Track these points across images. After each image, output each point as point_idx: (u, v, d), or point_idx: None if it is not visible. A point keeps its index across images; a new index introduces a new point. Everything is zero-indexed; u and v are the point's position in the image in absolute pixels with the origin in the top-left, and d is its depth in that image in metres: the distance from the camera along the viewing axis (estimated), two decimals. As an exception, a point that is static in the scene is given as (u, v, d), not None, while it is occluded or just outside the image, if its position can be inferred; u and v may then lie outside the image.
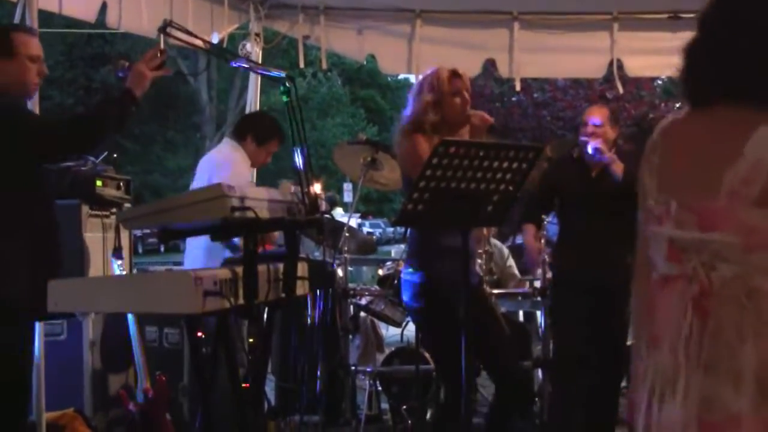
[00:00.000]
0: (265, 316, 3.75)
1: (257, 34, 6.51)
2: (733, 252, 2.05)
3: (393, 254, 9.67)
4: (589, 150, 4.83)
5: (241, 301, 3.21)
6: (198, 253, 4.89)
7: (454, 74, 4.06)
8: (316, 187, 4.45)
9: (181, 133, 33.24)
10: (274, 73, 3.83)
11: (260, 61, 6.67)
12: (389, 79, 38.63)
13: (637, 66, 6.64)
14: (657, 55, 6.36)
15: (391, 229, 34.14)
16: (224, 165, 5.02)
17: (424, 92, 4.04)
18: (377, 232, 32.79)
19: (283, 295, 3.48)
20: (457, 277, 3.62)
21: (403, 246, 8.21)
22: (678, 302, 2.10)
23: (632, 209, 5.09)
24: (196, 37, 3.83)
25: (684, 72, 2.22)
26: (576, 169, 4.98)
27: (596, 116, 5.00)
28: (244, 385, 3.88)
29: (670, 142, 2.22)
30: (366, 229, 28.03)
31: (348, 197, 22.46)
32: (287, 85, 3.66)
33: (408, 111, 4.12)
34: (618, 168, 4.77)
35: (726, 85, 2.12)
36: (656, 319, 2.16)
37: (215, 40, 6.08)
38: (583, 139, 4.91)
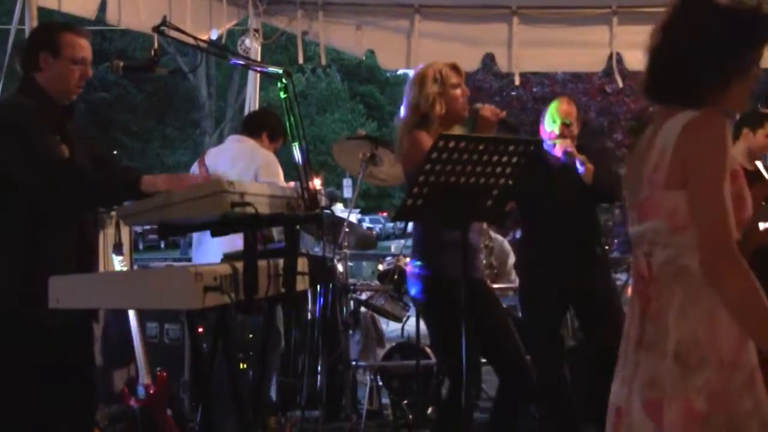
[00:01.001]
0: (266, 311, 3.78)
1: (256, 30, 6.52)
2: (663, 236, 2.21)
3: (393, 249, 9.67)
4: (559, 154, 4.61)
5: (241, 296, 3.22)
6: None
7: (454, 67, 4.07)
8: (316, 183, 4.46)
9: (179, 130, 33.21)
10: (271, 69, 3.83)
11: (259, 57, 6.69)
12: (388, 74, 38.61)
13: (636, 60, 6.62)
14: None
15: (391, 225, 34.13)
16: (273, 163, 5.11)
17: (428, 85, 4.04)
18: (377, 227, 32.78)
19: (283, 290, 3.48)
20: (458, 270, 3.64)
21: (403, 241, 8.22)
22: (635, 287, 2.32)
23: (591, 203, 5.09)
24: (191, 36, 3.80)
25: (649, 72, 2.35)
26: (537, 164, 4.57)
27: (567, 114, 4.75)
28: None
29: (634, 149, 2.45)
30: (366, 225, 28.06)
31: (348, 193, 22.49)
32: (284, 81, 3.66)
33: (407, 106, 4.12)
34: (588, 172, 4.55)
35: (659, 88, 2.29)
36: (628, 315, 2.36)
37: (214, 36, 6.09)
38: (550, 142, 4.67)
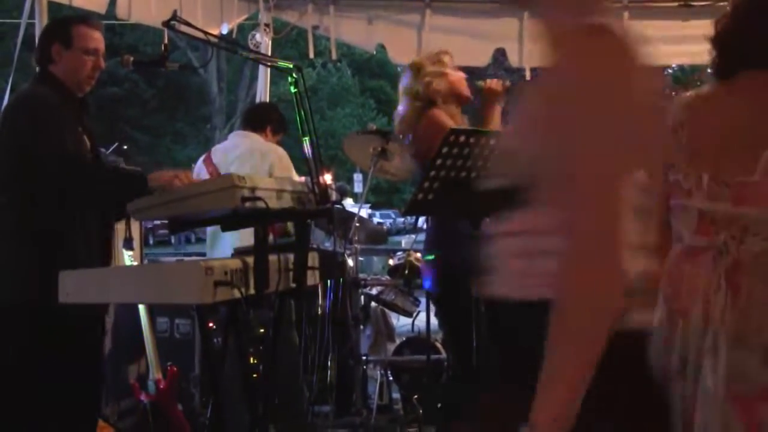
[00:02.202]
0: (276, 306, 3.78)
1: (266, 25, 6.52)
2: (764, 227, 2.06)
3: (403, 244, 9.66)
4: None
5: (251, 291, 3.22)
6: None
7: (442, 53, 4.19)
8: (326, 178, 4.46)
9: (190, 125, 33.28)
10: (282, 64, 3.83)
11: (270, 52, 6.68)
12: (399, 69, 38.53)
13: (647, 54, 6.61)
14: (668, 44, 6.31)
15: (401, 220, 34.11)
16: (285, 158, 5.11)
17: (423, 69, 4.14)
18: (388, 222, 32.77)
19: (293, 285, 3.49)
20: (477, 263, 3.63)
21: (414, 236, 8.20)
22: (708, 274, 2.10)
23: None
24: (201, 31, 3.81)
25: (715, 46, 2.25)
26: None
27: None
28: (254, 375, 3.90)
29: (699, 116, 2.21)
30: (376, 220, 28.05)
31: (358, 187, 22.46)
32: (295, 76, 3.66)
33: (407, 96, 4.19)
34: None
35: (755, 54, 2.16)
36: (681, 291, 2.14)
37: (225, 30, 6.09)
38: None
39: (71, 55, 3.55)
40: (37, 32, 4.69)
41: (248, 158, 5.07)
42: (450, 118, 4.01)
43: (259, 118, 5.39)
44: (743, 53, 2.18)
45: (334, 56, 7.17)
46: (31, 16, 4.84)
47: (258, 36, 6.50)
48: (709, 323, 2.07)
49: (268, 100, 6.82)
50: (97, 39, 3.61)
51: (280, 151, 5.19)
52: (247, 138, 5.32)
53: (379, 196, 34.54)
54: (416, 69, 4.19)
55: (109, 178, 3.53)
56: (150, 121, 31.86)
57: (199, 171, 5.18)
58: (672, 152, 2.20)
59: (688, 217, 2.17)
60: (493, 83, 4.09)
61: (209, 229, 5.14)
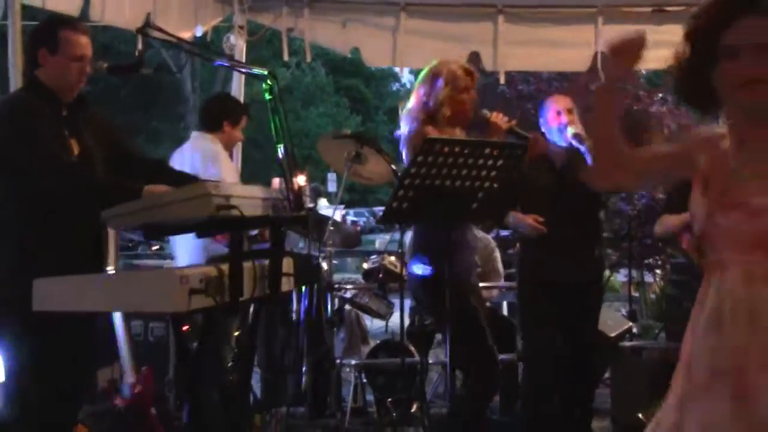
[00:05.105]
0: (252, 311, 3.77)
1: (241, 27, 6.49)
2: None
3: (377, 244, 9.68)
4: (569, 137, 4.69)
5: (227, 298, 3.21)
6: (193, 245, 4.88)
7: (467, 72, 4.10)
8: (301, 179, 4.43)
9: (165, 123, 33.11)
10: (256, 70, 3.82)
11: (245, 53, 6.66)
12: (373, 69, 38.58)
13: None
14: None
15: (375, 218, 34.18)
16: (215, 160, 5.03)
17: (439, 86, 4.09)
18: (362, 220, 32.78)
19: (268, 291, 3.48)
20: (464, 270, 3.66)
21: (387, 237, 8.20)
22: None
23: (596, 204, 5.15)
24: (175, 37, 3.78)
25: None
26: (541, 164, 4.81)
27: (567, 104, 4.86)
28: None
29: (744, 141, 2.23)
30: (351, 218, 28.03)
31: (332, 187, 22.43)
32: (269, 82, 3.66)
33: (418, 101, 4.15)
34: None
35: None
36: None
37: (199, 33, 6.06)
38: (560, 126, 4.77)
39: (58, 60, 3.52)
40: (10, 34, 4.66)
41: (189, 163, 4.99)
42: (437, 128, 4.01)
43: (214, 117, 5.28)
44: None
45: (308, 59, 7.16)
46: (4, 17, 4.79)
47: (233, 38, 6.46)
48: None
49: (217, 95, 6.70)
50: (84, 45, 3.57)
51: (226, 160, 5.16)
52: (200, 140, 5.25)
53: (353, 195, 34.54)
54: (431, 80, 4.17)
55: (97, 186, 3.50)
56: (125, 119, 31.67)
57: None
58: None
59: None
60: (499, 119, 4.08)
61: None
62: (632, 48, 2.32)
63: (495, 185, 3.42)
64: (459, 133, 4.06)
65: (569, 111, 4.79)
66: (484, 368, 4.04)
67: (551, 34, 6.59)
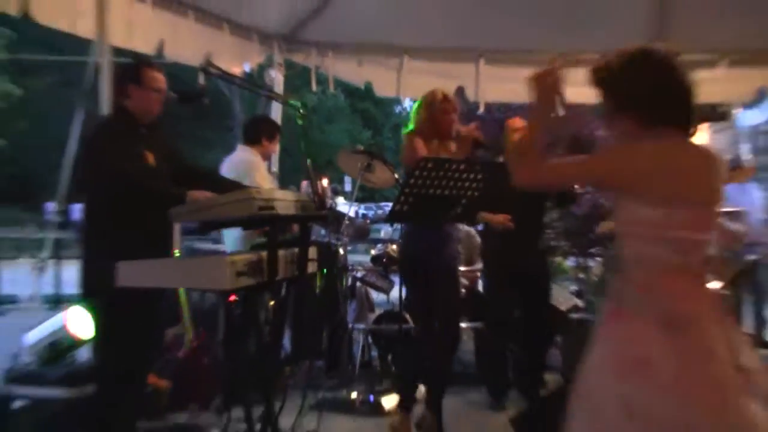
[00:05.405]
0: (284, 288, 3.79)
1: (280, 64, 6.51)
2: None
3: (382, 234, 9.64)
4: None
5: (265, 278, 3.23)
6: (237, 235, 4.94)
7: (445, 98, 4.10)
8: (324, 181, 4.44)
9: (216, 133, 33.00)
10: (292, 103, 3.85)
11: (282, 83, 6.67)
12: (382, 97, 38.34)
13: (573, 94, 6.55)
14: (588, 87, 6.36)
15: (380, 211, 34.03)
16: (254, 169, 5.02)
17: (424, 108, 4.11)
18: (370, 213, 32.68)
19: (297, 273, 3.50)
20: (430, 256, 3.69)
21: (390, 228, 8.20)
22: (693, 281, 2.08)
23: (540, 209, 5.15)
24: (229, 74, 3.81)
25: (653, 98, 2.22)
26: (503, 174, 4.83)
27: (522, 124, 4.84)
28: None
29: (672, 160, 2.12)
30: (362, 211, 27.94)
31: (348, 187, 22.36)
32: (301, 111, 3.69)
33: (413, 121, 4.17)
34: None
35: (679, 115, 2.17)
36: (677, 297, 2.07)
37: (247, 68, 6.08)
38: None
39: (142, 93, 3.55)
40: (103, 69, 4.68)
41: (234, 170, 4.93)
42: (425, 146, 4.01)
43: (254, 134, 5.26)
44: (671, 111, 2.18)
45: (332, 88, 7.17)
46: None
47: (273, 72, 6.49)
48: None
49: (281, 117, 6.74)
50: (161, 80, 3.60)
51: (262, 168, 5.13)
52: (242, 152, 5.23)
53: (364, 193, 34.43)
54: (420, 106, 4.18)
55: (154, 191, 3.49)
56: (184, 128, 31.54)
57: None
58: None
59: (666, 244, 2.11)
60: (464, 130, 4.06)
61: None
62: (545, 78, 2.33)
63: (475, 194, 3.44)
64: (437, 144, 4.04)
65: (521, 129, 4.81)
66: (451, 327, 4.03)
67: (519, 73, 6.49)
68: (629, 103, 2.20)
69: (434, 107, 4.05)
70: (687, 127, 2.19)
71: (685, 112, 2.18)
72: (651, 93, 2.17)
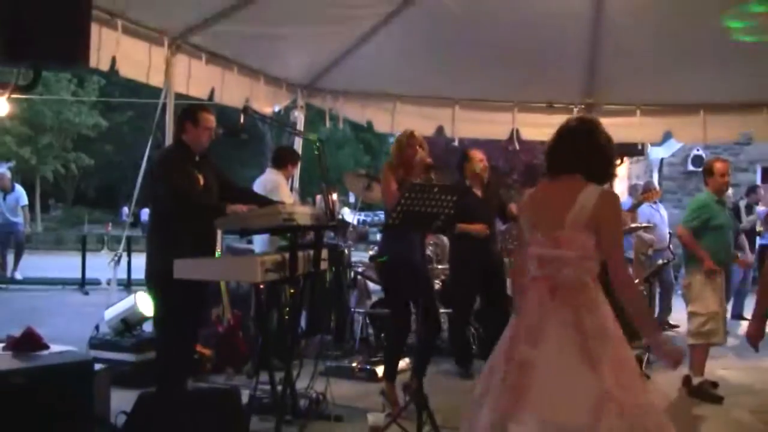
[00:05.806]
0: (302, 281, 3.77)
1: (302, 106, 6.49)
2: (572, 261, 2.17)
3: (378, 237, 9.64)
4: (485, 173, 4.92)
5: (287, 274, 3.23)
6: (265, 239, 4.89)
7: (411, 135, 4.02)
8: (334, 196, 4.40)
9: (251, 156, 32.91)
10: (310, 136, 3.84)
11: (304, 121, 6.63)
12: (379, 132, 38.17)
13: (527, 133, 6.63)
14: (539, 127, 6.38)
15: (377, 218, 33.90)
16: (279, 188, 4.99)
17: (395, 146, 4.07)
18: (368, 218, 32.59)
19: (312, 269, 3.50)
20: (404, 258, 3.69)
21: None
22: (540, 289, 2.21)
23: (494, 215, 5.17)
24: (261, 114, 3.79)
25: (550, 157, 2.33)
26: (471, 193, 4.89)
27: (483, 155, 5.03)
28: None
29: (536, 199, 2.35)
30: (362, 218, 27.85)
31: (352, 198, 22.29)
32: (317, 144, 3.67)
33: (390, 156, 4.12)
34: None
35: (571, 166, 2.26)
36: (528, 298, 2.25)
37: (276, 109, 6.07)
38: (482, 167, 4.93)
39: (197, 130, 3.53)
40: (168, 108, 4.74)
41: (262, 187, 4.87)
42: (393, 175, 3.89)
43: (281, 160, 5.21)
44: (568, 166, 2.27)
45: (341, 125, 7.16)
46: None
47: (296, 112, 6.47)
48: (539, 314, 2.18)
49: (284, 146, 6.67)
50: (212, 120, 3.58)
51: (284, 187, 5.08)
52: (270, 174, 5.16)
53: (363, 203, 34.33)
54: (394, 144, 4.13)
55: (200, 204, 3.46)
56: (225, 151, 31.42)
57: None
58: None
59: (532, 259, 2.27)
60: (419, 157, 3.89)
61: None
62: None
63: (451, 211, 3.41)
64: (403, 171, 3.90)
65: (482, 159, 4.98)
66: (433, 315, 3.99)
67: (486, 117, 6.62)
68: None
69: (402, 142, 4.01)
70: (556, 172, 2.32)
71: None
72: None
